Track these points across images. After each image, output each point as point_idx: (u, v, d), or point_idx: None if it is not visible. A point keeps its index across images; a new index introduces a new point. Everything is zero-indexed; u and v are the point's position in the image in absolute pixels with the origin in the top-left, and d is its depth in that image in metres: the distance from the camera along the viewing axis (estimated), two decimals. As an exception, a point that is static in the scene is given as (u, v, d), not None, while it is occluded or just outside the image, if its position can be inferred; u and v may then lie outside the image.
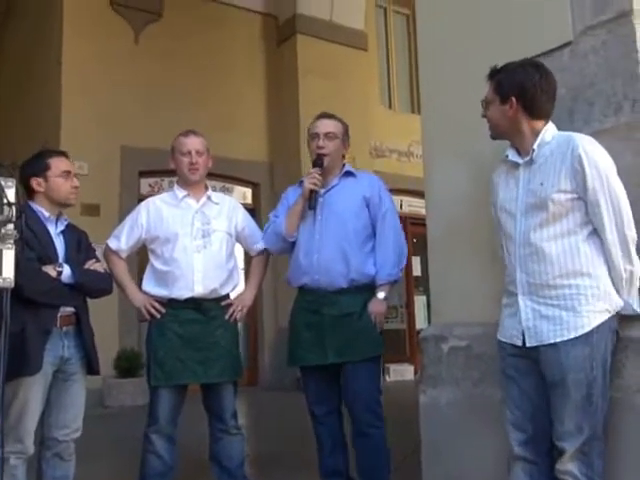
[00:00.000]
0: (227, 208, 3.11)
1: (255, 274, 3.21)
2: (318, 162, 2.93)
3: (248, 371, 7.89)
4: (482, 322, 2.48)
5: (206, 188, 3.15)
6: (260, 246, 3.18)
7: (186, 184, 3.07)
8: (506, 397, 2.12)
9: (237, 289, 3.16)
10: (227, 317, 3.00)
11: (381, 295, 2.90)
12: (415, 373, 8.44)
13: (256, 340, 8.13)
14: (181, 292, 2.91)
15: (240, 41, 8.30)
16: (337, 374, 2.89)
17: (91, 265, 2.72)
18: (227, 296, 3.05)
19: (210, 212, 3.06)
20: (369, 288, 2.91)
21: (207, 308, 2.95)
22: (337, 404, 2.96)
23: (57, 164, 2.70)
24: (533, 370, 2.04)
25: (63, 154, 2.78)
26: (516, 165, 2.12)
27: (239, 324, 3.15)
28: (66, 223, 2.76)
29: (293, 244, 2.97)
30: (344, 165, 3.06)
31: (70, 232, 2.76)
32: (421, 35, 2.95)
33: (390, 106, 9.77)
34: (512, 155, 2.14)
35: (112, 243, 3.10)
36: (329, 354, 2.83)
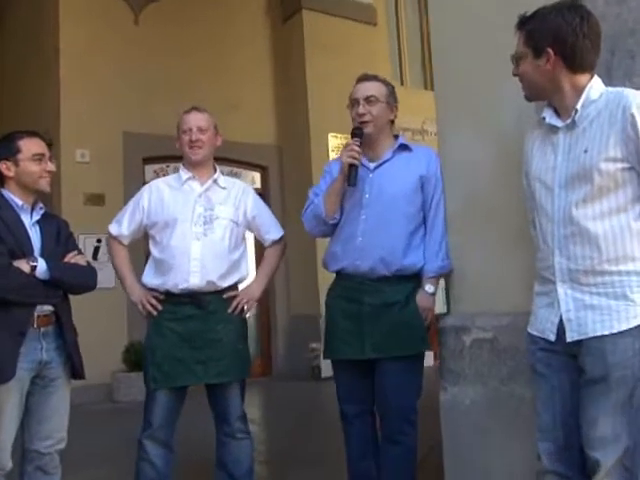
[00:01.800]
0: (235, 193, 2.83)
1: (266, 265, 2.93)
2: (357, 132, 2.56)
3: (261, 360, 7.70)
4: (509, 311, 2.20)
5: (214, 170, 2.87)
6: (273, 236, 2.91)
7: (190, 165, 2.80)
8: (535, 398, 1.83)
9: (246, 282, 2.89)
10: (230, 310, 2.72)
11: (430, 289, 2.54)
12: (435, 359, 8.12)
13: (269, 328, 7.90)
14: (176, 282, 2.65)
15: (244, 19, 7.99)
16: (372, 371, 2.57)
17: (71, 258, 2.47)
18: (231, 288, 2.77)
19: (215, 197, 2.79)
20: (414, 278, 2.57)
21: (206, 302, 2.67)
22: (371, 404, 2.65)
23: (28, 146, 2.44)
24: (569, 367, 1.75)
25: (36, 135, 2.52)
26: (555, 129, 1.80)
27: (248, 317, 2.87)
28: (42, 212, 2.50)
29: (335, 226, 2.64)
30: (397, 136, 2.69)
31: (48, 222, 2.50)
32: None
33: (402, 83, 9.40)
34: (550, 117, 1.81)
35: (113, 228, 2.85)
36: (367, 348, 2.51)
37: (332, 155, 7.78)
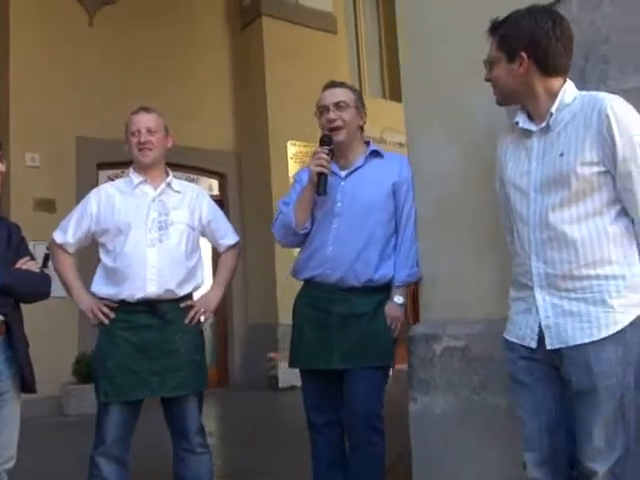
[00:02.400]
0: (190, 197, 2.73)
1: (222, 272, 2.82)
2: (326, 139, 2.49)
3: (217, 370, 7.54)
4: (481, 319, 2.17)
5: (167, 174, 2.76)
6: (229, 241, 2.81)
7: (141, 169, 2.68)
8: (518, 408, 1.79)
9: (201, 290, 2.78)
10: (187, 321, 2.61)
11: (399, 299, 2.49)
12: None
13: (226, 337, 7.75)
14: (132, 292, 2.52)
15: (203, 24, 7.86)
16: (341, 380, 2.50)
17: (23, 264, 2.32)
18: (187, 297, 2.66)
19: (169, 201, 2.67)
20: (383, 289, 2.51)
21: (163, 311, 2.56)
22: (339, 414, 2.58)
23: None
24: (551, 375, 1.72)
25: None
26: (528, 133, 1.78)
27: (205, 327, 2.76)
28: None
29: (306, 235, 2.57)
30: (368, 143, 2.63)
31: None
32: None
33: (361, 91, 9.43)
34: (523, 121, 1.79)
35: (57, 236, 2.70)
36: (334, 358, 2.44)
37: (291, 162, 7.72)
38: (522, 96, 1.78)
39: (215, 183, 8.03)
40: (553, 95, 1.73)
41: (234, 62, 8.12)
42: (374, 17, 9.80)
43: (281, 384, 6.72)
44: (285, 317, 7.38)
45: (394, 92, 9.53)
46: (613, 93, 1.77)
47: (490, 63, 1.81)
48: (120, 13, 7.22)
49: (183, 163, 7.17)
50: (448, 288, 2.30)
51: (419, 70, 2.42)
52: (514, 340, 1.79)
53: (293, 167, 7.56)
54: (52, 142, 6.63)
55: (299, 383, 2.68)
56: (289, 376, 6.34)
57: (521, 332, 1.76)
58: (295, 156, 7.80)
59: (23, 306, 2.38)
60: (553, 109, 1.72)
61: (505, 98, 1.83)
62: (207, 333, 7.72)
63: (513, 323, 1.81)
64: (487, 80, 1.83)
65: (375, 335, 2.44)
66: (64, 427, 5.73)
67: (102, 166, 7.10)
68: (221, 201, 7.84)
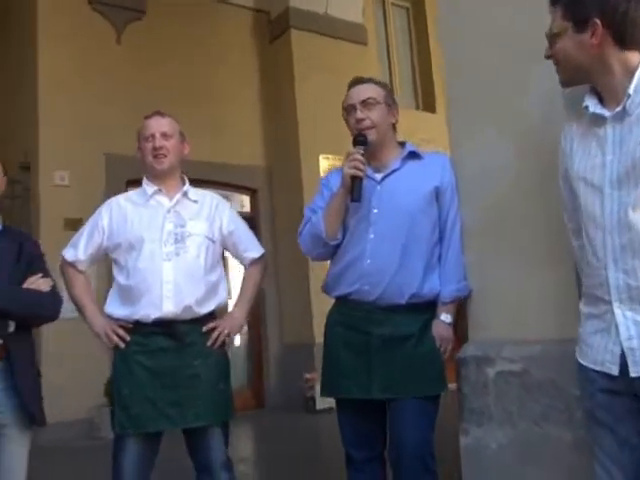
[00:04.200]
0: (209, 207, 2.52)
1: (247, 289, 2.59)
2: (360, 139, 2.24)
3: (252, 392, 7.32)
4: (541, 339, 1.90)
5: (183, 182, 2.56)
6: (253, 254, 2.59)
7: (155, 177, 2.49)
8: (597, 449, 1.51)
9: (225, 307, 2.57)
10: (209, 343, 2.38)
11: (447, 317, 2.22)
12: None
13: (260, 358, 7.52)
14: (147, 311, 2.31)
15: (230, 39, 7.76)
16: (384, 410, 2.23)
17: (32, 282, 2.13)
18: (209, 316, 2.43)
19: (186, 212, 2.47)
20: (429, 307, 2.24)
21: (182, 332, 2.34)
22: (381, 448, 2.30)
23: None
24: (633, 411, 1.44)
25: None
26: (600, 119, 1.50)
27: (229, 349, 2.52)
28: (0, 229, 2.17)
29: (337, 246, 2.31)
30: (404, 143, 2.39)
31: (6, 240, 2.17)
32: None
33: (392, 101, 9.19)
34: (594, 105, 1.51)
35: (68, 253, 2.52)
36: (374, 387, 2.17)
37: (323, 176, 7.51)
38: (593, 74, 1.51)
39: (246, 199, 7.87)
40: (630, 72, 1.46)
41: (263, 75, 8.00)
42: (405, 27, 9.59)
43: (319, 406, 6.46)
44: (321, 335, 7.16)
45: (427, 103, 9.28)
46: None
47: (553, 36, 1.54)
48: (147, 29, 7.17)
49: (214, 179, 7.04)
50: (502, 303, 2.03)
51: (462, 57, 2.18)
52: (591, 366, 1.51)
53: (326, 181, 7.35)
54: (81, 160, 6.55)
55: (338, 405, 2.41)
56: (326, 398, 6.07)
57: (599, 357, 1.48)
58: (328, 170, 7.59)
59: (51, 327, 2.18)
60: (631, 89, 1.44)
61: (571, 77, 1.56)
62: (241, 354, 7.58)
63: (588, 345, 1.53)
64: (548, 57, 1.57)
65: (423, 359, 2.17)
66: (95, 451, 5.55)
67: (131, 183, 6.96)
68: (252, 217, 7.68)
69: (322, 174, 7.55)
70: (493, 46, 2.06)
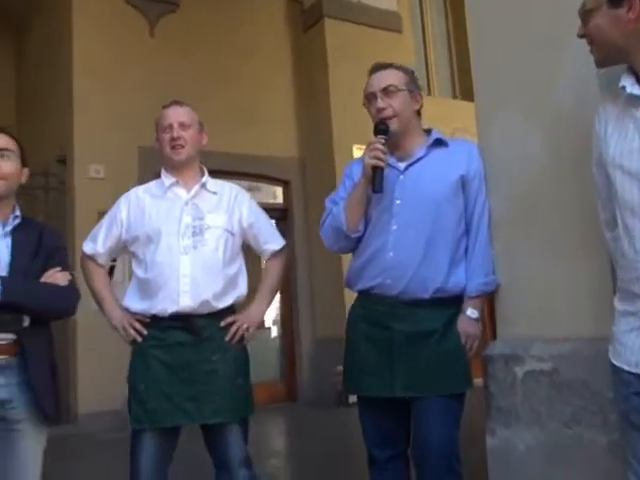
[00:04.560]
0: (228, 198, 2.45)
1: (268, 282, 2.52)
2: (381, 127, 2.14)
3: (285, 385, 7.30)
4: (573, 336, 1.79)
5: (202, 173, 2.50)
6: (274, 246, 2.51)
7: (173, 169, 2.43)
8: (630, 454, 1.40)
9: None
10: (228, 338, 2.32)
11: (473, 313, 2.12)
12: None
13: (293, 351, 7.49)
14: (164, 305, 2.26)
15: (263, 29, 7.70)
16: (407, 409, 2.14)
17: (50, 276, 2.10)
18: (228, 310, 2.37)
19: (205, 204, 2.40)
20: (454, 301, 2.13)
21: (199, 327, 2.28)
22: (404, 447, 2.22)
23: None
24: None
25: None
26: (638, 100, 1.40)
27: (247, 343, 2.43)
28: (18, 221, 2.13)
29: (360, 239, 2.22)
30: (430, 130, 2.27)
31: (25, 232, 2.12)
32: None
33: (429, 92, 9.02)
34: (631, 86, 1.40)
35: (87, 246, 2.49)
36: (397, 385, 2.08)
37: (358, 168, 7.41)
38: (630, 51, 1.40)
39: (279, 191, 7.82)
40: None
41: (297, 66, 7.93)
42: (441, 13, 9.40)
43: (351, 399, 6.38)
44: (354, 329, 7.14)
45: (465, 91, 9.08)
46: None
47: (586, 13, 1.43)
48: (180, 21, 7.17)
49: (246, 171, 7.02)
50: (531, 299, 1.92)
51: (489, 40, 2.06)
52: (624, 367, 1.40)
53: (360, 172, 7.26)
54: (116, 153, 6.58)
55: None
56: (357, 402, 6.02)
57: (633, 357, 1.37)
58: (362, 161, 7.49)
59: (84, 319, 2.14)
60: None
61: (606, 56, 1.45)
62: (274, 347, 7.55)
63: (622, 344, 1.42)
64: (581, 36, 1.46)
65: (448, 356, 2.07)
66: (122, 443, 5.60)
67: (164, 176, 7.02)
68: (286, 209, 7.64)
69: (356, 165, 7.46)
70: (522, 28, 1.94)
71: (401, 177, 2.17)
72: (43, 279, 2.09)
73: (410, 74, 2.27)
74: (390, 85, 2.18)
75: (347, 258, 7.32)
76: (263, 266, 2.71)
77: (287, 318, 7.41)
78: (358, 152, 7.54)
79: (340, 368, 6.94)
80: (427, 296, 2.10)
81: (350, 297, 7.89)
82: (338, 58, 7.58)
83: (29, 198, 6.41)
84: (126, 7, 7.05)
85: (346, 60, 7.51)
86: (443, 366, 2.05)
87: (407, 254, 2.10)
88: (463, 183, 2.13)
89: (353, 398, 6.53)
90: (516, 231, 1.98)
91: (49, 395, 2.02)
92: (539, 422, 1.82)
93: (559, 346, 1.80)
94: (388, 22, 8.11)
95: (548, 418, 1.80)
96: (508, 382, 1.91)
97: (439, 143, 2.21)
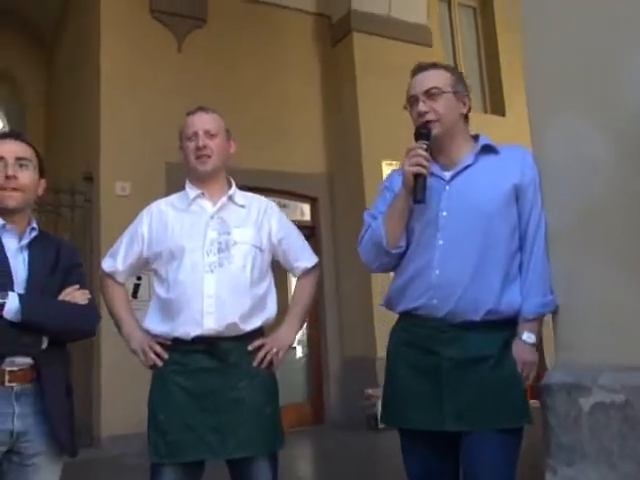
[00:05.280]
0: (256, 212, 2.29)
1: (299, 302, 2.34)
2: (422, 131, 1.97)
3: (312, 407, 7.08)
4: (649, 364, 1.56)
5: (229, 185, 2.35)
6: (305, 263, 2.35)
7: (199, 180, 2.29)
8: None
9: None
10: (256, 363, 2.14)
11: (530, 337, 1.90)
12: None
13: (320, 372, 7.27)
14: (186, 328, 2.09)
15: (291, 44, 7.62)
16: (456, 443, 1.94)
17: (68, 294, 1.95)
18: (256, 333, 2.19)
19: (231, 218, 2.24)
20: (509, 324, 1.92)
21: (225, 351, 2.10)
22: None
23: None
24: None
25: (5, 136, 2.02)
26: None
27: (277, 370, 2.25)
28: (34, 234, 1.99)
29: (402, 255, 2.04)
30: (478, 136, 2.08)
31: (42, 247, 1.99)
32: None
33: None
34: None
35: (106, 263, 2.34)
36: (447, 417, 1.88)
37: (386, 184, 7.23)
38: None
39: (307, 207, 7.67)
40: None
41: (325, 80, 7.82)
42: (472, 27, 9.24)
43: (381, 424, 6.15)
44: (384, 349, 6.89)
45: (496, 105, 8.89)
46: None
47: None
48: (208, 36, 7.12)
49: (273, 187, 6.88)
50: (598, 321, 1.71)
51: (545, 20, 1.87)
52: None
53: (389, 188, 7.08)
54: (142, 170, 6.50)
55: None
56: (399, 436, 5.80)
57: None
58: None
59: (109, 339, 1.98)
60: None
61: None
62: (301, 368, 7.35)
63: None
64: None
65: (503, 385, 1.86)
66: (146, 468, 5.44)
67: (192, 192, 6.92)
68: (313, 227, 7.48)
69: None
70: (586, 10, 1.76)
71: (447, 187, 1.98)
72: (61, 297, 1.95)
73: (457, 74, 2.09)
74: (433, 87, 2.00)
75: (377, 277, 7.12)
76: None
77: (314, 338, 7.22)
78: (387, 168, 7.37)
79: (369, 392, 6.72)
80: (478, 318, 1.89)
81: (380, 317, 7.68)
82: (367, 72, 7.47)
83: (54, 216, 6.35)
84: (154, 23, 7.01)
85: (375, 74, 7.41)
86: (498, 396, 1.84)
87: (455, 272, 1.91)
88: (517, 193, 1.93)
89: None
90: (578, 245, 1.77)
91: (65, 425, 1.86)
92: (609, 462, 1.61)
93: (632, 375, 1.59)
94: (417, 36, 7.98)
95: (621, 458, 1.59)
96: (572, 415, 1.70)
97: (488, 150, 2.02)
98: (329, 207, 7.60)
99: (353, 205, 7.21)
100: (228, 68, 7.03)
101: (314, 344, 7.21)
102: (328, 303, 7.22)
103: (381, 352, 6.61)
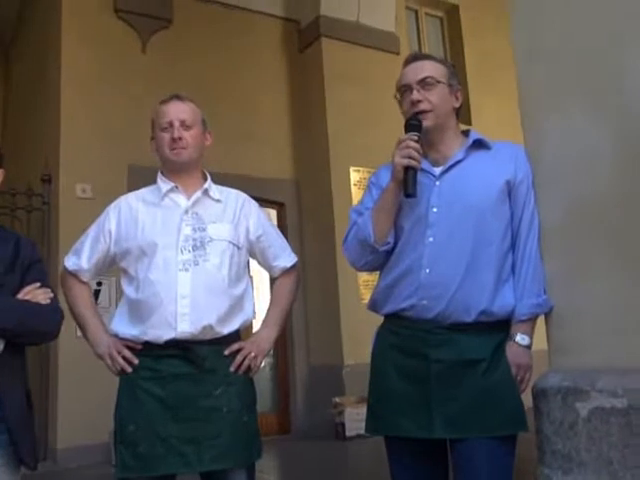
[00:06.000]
0: (233, 207, 2.18)
1: (277, 304, 2.23)
2: (413, 122, 1.88)
3: (278, 417, 6.94)
4: (651, 367, 1.50)
5: (204, 178, 2.22)
6: (284, 262, 2.24)
7: (172, 173, 2.16)
8: None
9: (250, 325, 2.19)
10: (233, 368, 2.01)
11: (524, 339, 1.83)
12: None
13: (286, 380, 7.14)
14: (158, 331, 1.95)
15: (259, 48, 7.52)
16: (445, 451, 1.86)
17: (28, 293, 1.80)
18: (233, 336, 2.07)
19: (207, 213, 2.12)
20: (502, 326, 1.84)
21: (200, 356, 1.97)
22: None
23: None
24: None
25: None
26: None
27: (254, 375, 2.13)
28: None
29: (389, 253, 1.95)
30: (468, 131, 2.02)
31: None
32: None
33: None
34: None
35: (69, 262, 2.19)
36: (436, 423, 1.78)
37: (354, 189, 7.17)
38: None
39: (273, 213, 7.56)
40: None
41: (292, 85, 7.74)
42: (438, 36, 9.29)
43: (348, 432, 6.05)
44: (351, 357, 6.87)
45: (462, 114, 8.94)
46: None
47: None
48: (173, 38, 6.98)
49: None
50: (597, 322, 1.64)
51: (539, 22, 1.81)
52: None
53: (357, 195, 7.02)
54: (104, 172, 6.30)
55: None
56: (357, 424, 5.73)
57: None
58: (359, 183, 7.27)
59: (67, 345, 1.84)
60: None
61: None
62: (265, 375, 7.20)
63: None
64: None
65: (497, 390, 1.77)
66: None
67: (155, 196, 6.74)
68: (280, 232, 7.36)
69: (352, 186, 7.22)
70: (577, 16, 1.70)
71: (437, 183, 1.90)
72: (21, 296, 1.80)
73: (451, 68, 2.02)
74: (428, 77, 1.93)
75: (345, 282, 7.04)
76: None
77: (280, 345, 7.09)
78: (355, 174, 7.32)
79: (337, 399, 6.61)
80: (470, 319, 1.81)
81: (347, 323, 7.58)
82: (334, 78, 7.43)
83: (10, 219, 6.11)
84: (118, 23, 6.83)
85: (343, 80, 7.37)
86: (491, 401, 1.76)
87: (446, 271, 1.82)
88: (509, 189, 1.86)
89: (351, 431, 6.25)
90: (575, 243, 1.70)
91: (25, 435, 1.71)
92: (609, 470, 1.53)
93: (633, 377, 1.52)
94: (385, 43, 7.98)
95: (621, 466, 1.51)
96: (568, 422, 1.62)
97: (480, 145, 1.95)
98: (296, 213, 7.51)
99: (321, 211, 7.14)
100: (193, 70, 6.87)
101: (280, 352, 7.09)
102: (294, 310, 7.10)
103: (348, 360, 6.53)
